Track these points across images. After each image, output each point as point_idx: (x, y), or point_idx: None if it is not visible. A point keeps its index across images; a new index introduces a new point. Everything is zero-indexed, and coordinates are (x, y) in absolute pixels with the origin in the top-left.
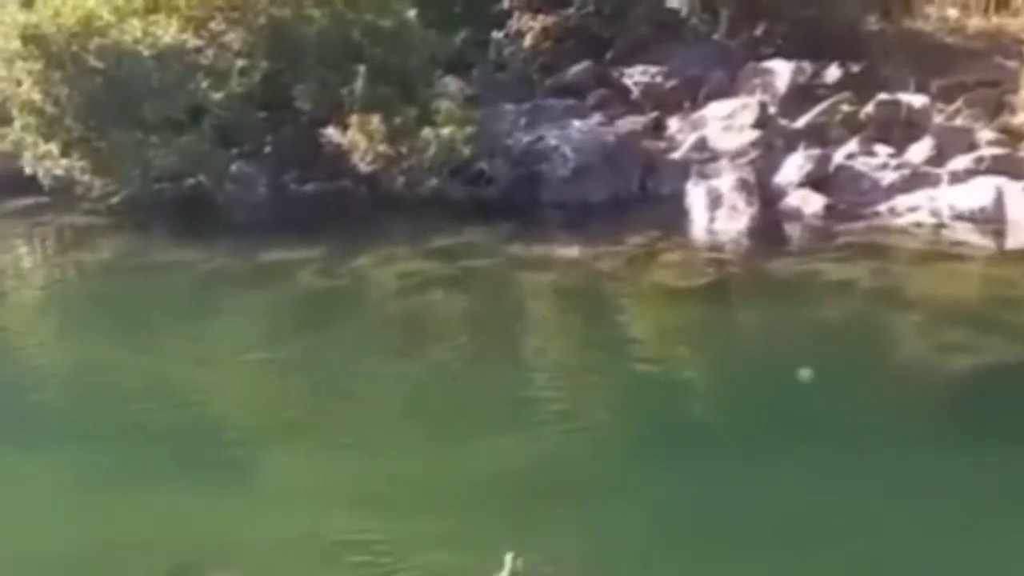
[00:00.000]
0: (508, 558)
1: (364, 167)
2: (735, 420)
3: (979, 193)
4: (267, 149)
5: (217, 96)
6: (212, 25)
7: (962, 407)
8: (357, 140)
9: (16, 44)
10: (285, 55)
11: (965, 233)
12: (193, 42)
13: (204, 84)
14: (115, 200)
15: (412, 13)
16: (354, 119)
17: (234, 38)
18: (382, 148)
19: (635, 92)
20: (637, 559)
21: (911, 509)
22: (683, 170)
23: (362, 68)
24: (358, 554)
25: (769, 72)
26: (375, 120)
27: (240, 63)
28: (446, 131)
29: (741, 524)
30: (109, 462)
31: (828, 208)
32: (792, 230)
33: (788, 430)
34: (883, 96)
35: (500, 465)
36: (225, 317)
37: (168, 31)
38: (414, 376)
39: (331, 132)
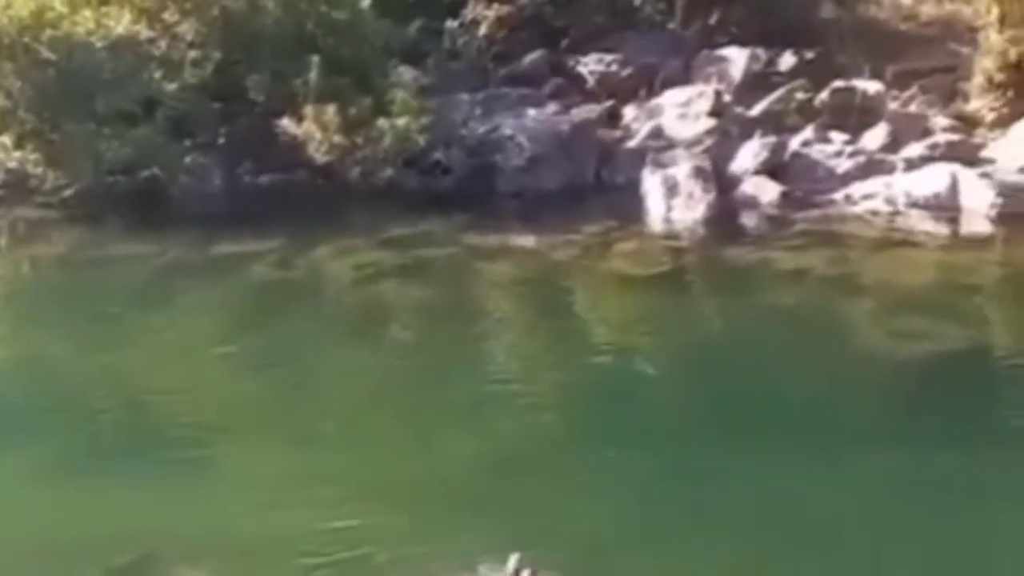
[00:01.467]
0: (512, 559)
1: (319, 158)
2: (691, 409)
3: (933, 180)
4: (221, 140)
5: (170, 87)
6: (165, 16)
7: (916, 393)
8: (312, 131)
9: None
10: (239, 46)
11: (920, 220)
12: (146, 33)
13: (157, 75)
14: (69, 193)
15: (366, 3)
16: (309, 110)
17: (187, 29)
18: (337, 139)
19: (590, 81)
20: (600, 547)
21: (862, 495)
22: (639, 158)
23: (316, 59)
24: (312, 545)
25: (724, 60)
26: (330, 111)
27: (193, 54)
28: (401, 121)
29: (697, 512)
30: (62, 456)
31: (784, 196)
32: (748, 218)
33: (743, 418)
34: (838, 83)
35: (458, 455)
36: (180, 310)
37: (121, 22)
38: (371, 368)
39: (286, 123)
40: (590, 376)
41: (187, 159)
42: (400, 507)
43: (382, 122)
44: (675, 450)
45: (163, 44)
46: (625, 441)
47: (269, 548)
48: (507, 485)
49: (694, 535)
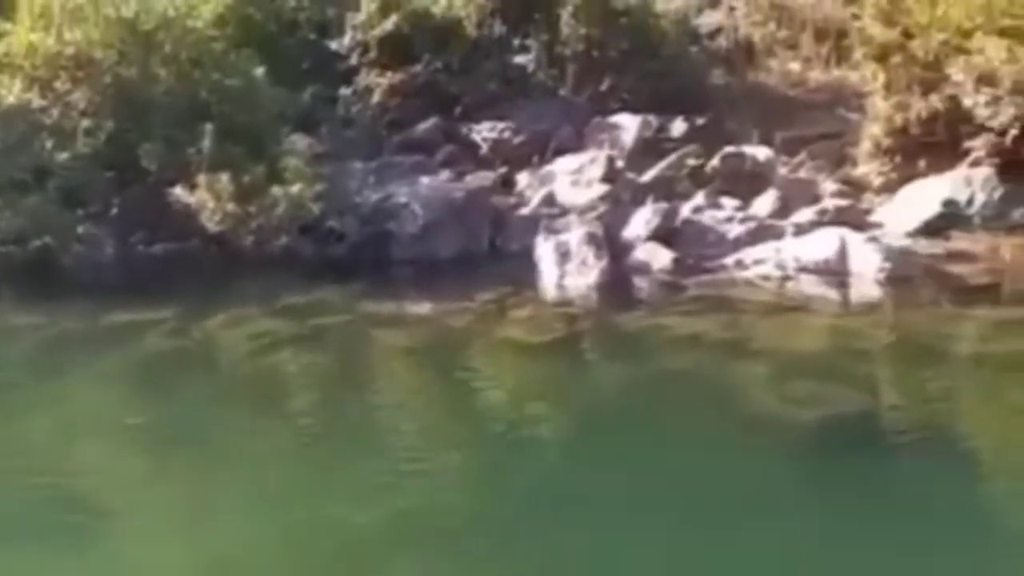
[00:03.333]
0: None
1: (213, 226)
2: (584, 477)
3: (823, 245)
4: (114, 210)
5: (62, 156)
6: (57, 85)
7: (807, 458)
8: (205, 199)
9: None
10: (131, 114)
11: (810, 285)
12: (37, 102)
13: (49, 144)
14: None
15: (259, 71)
16: (202, 178)
17: (79, 98)
18: (230, 207)
19: (484, 148)
20: None
21: (755, 564)
22: (532, 225)
23: (209, 127)
24: None
25: (616, 127)
26: (223, 179)
27: (85, 123)
28: (295, 189)
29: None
30: None
31: (676, 262)
32: (641, 284)
33: (635, 484)
34: (728, 149)
35: (349, 526)
36: (73, 380)
37: (12, 91)
38: (267, 440)
39: (179, 192)
40: (486, 445)
41: (79, 229)
42: None
43: (276, 190)
44: (568, 521)
45: (55, 113)
46: (517, 512)
47: None
48: (401, 558)
49: None
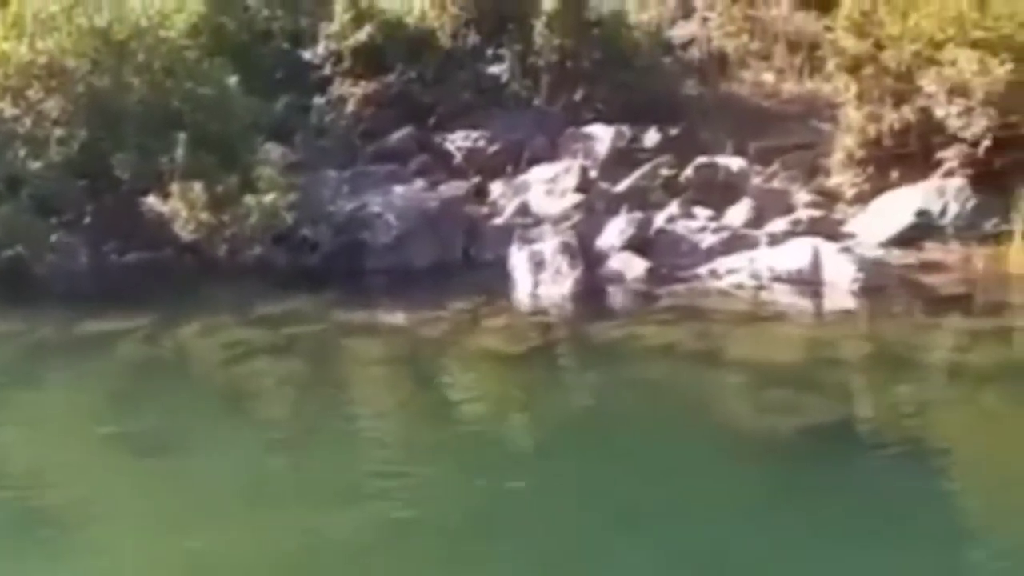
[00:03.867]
0: None
1: (186, 235)
2: (558, 485)
3: (796, 255)
4: (87, 219)
5: (35, 165)
6: (29, 93)
7: (781, 466)
8: (178, 208)
9: None
10: (104, 123)
11: (784, 295)
12: (10, 111)
13: (22, 153)
14: None
15: (233, 80)
16: (175, 187)
17: (52, 106)
18: (204, 216)
19: (457, 157)
20: None
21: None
22: (506, 235)
23: (183, 136)
24: None
25: (589, 137)
26: (196, 188)
27: (58, 132)
28: (268, 198)
29: None
30: None
31: (650, 271)
32: (615, 294)
33: (609, 492)
34: (702, 159)
35: (322, 533)
36: (48, 388)
37: None
38: (239, 447)
39: (152, 201)
40: (459, 453)
41: (53, 237)
42: None
43: (249, 199)
44: (542, 530)
45: (27, 122)
46: (491, 522)
47: None
48: (372, 564)
49: None
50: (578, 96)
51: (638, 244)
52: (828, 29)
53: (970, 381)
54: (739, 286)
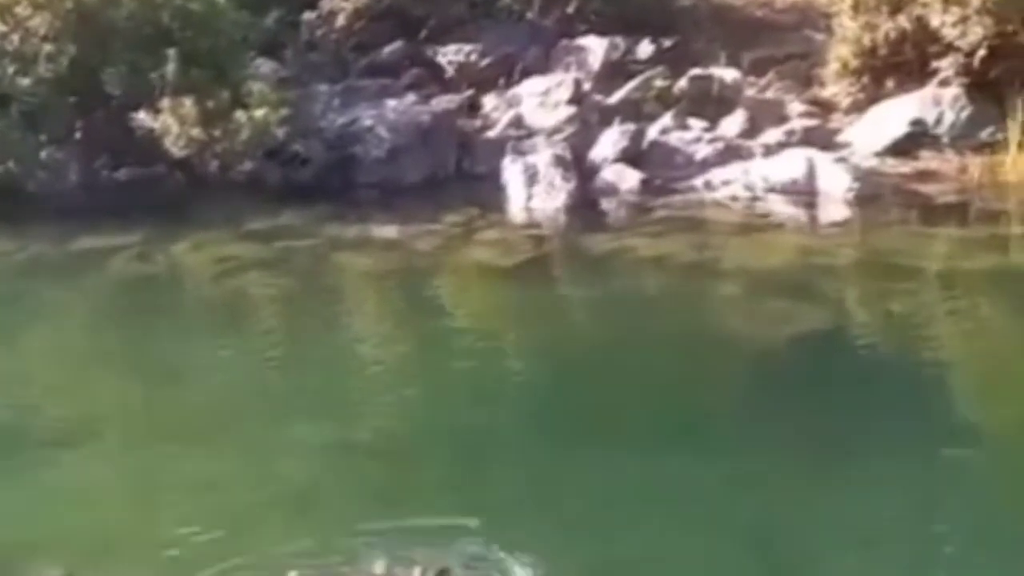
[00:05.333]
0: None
1: (177, 151)
2: (553, 399)
3: (791, 165)
4: (78, 135)
5: (24, 82)
6: (17, 10)
7: (778, 375)
8: (169, 124)
9: None
10: (94, 39)
11: (779, 205)
12: None
13: (11, 70)
14: None
15: None
16: (166, 103)
17: (40, 23)
18: (195, 132)
19: (449, 71)
20: (459, 533)
21: (727, 477)
22: (499, 148)
23: (173, 52)
24: (174, 549)
25: (582, 49)
26: (187, 104)
27: (47, 48)
28: (259, 113)
29: (560, 502)
30: None
31: (644, 183)
32: (609, 206)
33: (606, 406)
34: (695, 71)
35: (321, 454)
36: (42, 305)
37: None
38: (234, 364)
39: (143, 117)
40: (453, 367)
41: (43, 154)
42: (265, 502)
43: (240, 115)
44: (539, 441)
45: (15, 39)
46: (488, 434)
47: (128, 547)
48: (363, 478)
49: (556, 526)
50: (571, 8)
51: (632, 156)
52: None
53: (964, 288)
54: (733, 197)
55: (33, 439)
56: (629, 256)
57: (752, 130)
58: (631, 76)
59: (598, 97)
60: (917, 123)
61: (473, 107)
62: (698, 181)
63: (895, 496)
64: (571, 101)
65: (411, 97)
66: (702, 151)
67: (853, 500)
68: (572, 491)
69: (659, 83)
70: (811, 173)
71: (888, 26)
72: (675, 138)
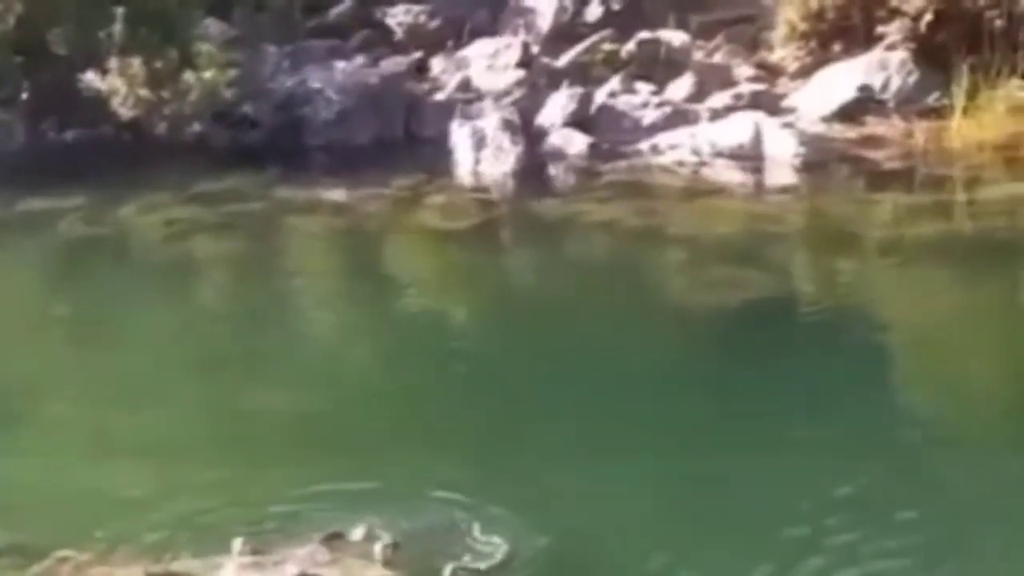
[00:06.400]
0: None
1: (125, 112)
2: (500, 363)
3: (738, 130)
4: (24, 95)
5: None
6: None
7: (723, 340)
8: (117, 85)
9: None
10: None
11: (725, 170)
12: None
13: None
14: None
15: None
16: (113, 63)
17: None
18: (143, 93)
19: (398, 32)
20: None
21: (670, 442)
22: (447, 111)
23: (120, 10)
24: (121, 513)
25: (531, 11)
26: (135, 64)
27: None
28: (208, 74)
29: (503, 466)
30: None
31: (592, 147)
32: (557, 170)
33: (551, 369)
34: (644, 34)
35: (271, 413)
36: None
37: None
38: (184, 326)
39: (90, 77)
40: (399, 330)
41: None
42: (214, 463)
43: (188, 75)
44: (485, 404)
45: None
46: (432, 397)
47: (73, 509)
48: (314, 440)
49: (509, 486)
50: None
51: (579, 120)
52: None
53: (910, 254)
54: (680, 162)
55: None
56: (577, 221)
57: (699, 94)
58: (579, 39)
59: (546, 60)
60: (864, 88)
61: (421, 69)
62: (645, 145)
63: (840, 454)
64: (520, 64)
65: (360, 59)
66: (650, 115)
67: (799, 458)
68: (519, 452)
69: (607, 46)
70: (758, 138)
71: None
72: (623, 102)
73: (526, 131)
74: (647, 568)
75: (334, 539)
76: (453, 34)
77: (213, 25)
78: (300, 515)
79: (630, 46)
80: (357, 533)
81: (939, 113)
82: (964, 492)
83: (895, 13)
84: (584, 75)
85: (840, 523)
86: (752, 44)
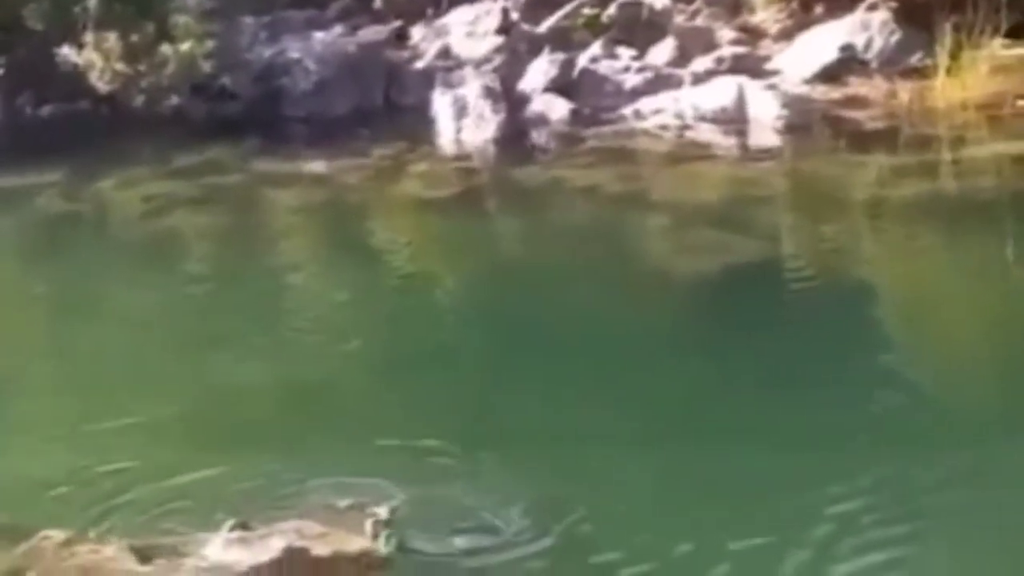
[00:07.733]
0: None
1: (102, 86)
2: (485, 330)
3: (721, 93)
4: (0, 71)
5: None
6: None
7: (707, 305)
8: (93, 59)
9: None
10: None
11: (709, 134)
12: None
13: None
14: None
15: None
16: (89, 37)
17: None
18: (120, 67)
19: (377, 1)
20: (389, 463)
21: (655, 405)
22: (428, 79)
23: None
24: (111, 484)
25: None
26: (111, 38)
27: None
28: (185, 47)
29: (483, 435)
30: None
31: (573, 113)
32: (539, 136)
33: (535, 337)
34: None
35: (254, 385)
36: None
37: None
38: (164, 301)
39: (66, 51)
40: (383, 299)
41: None
42: (200, 438)
43: (165, 48)
44: (470, 371)
45: None
46: (418, 365)
47: (55, 487)
48: (297, 417)
49: (503, 453)
50: None
51: (561, 86)
52: None
53: (894, 215)
54: (663, 126)
55: None
56: (560, 187)
57: (681, 58)
58: (560, 4)
59: (527, 26)
60: (846, 48)
61: (401, 38)
62: (628, 110)
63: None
64: (499, 30)
65: (338, 28)
66: (632, 80)
67: (788, 415)
68: (509, 417)
69: (588, 11)
70: (741, 101)
71: None
72: (604, 67)
73: (507, 98)
74: (633, 541)
75: (323, 511)
76: (432, 2)
77: None
78: (288, 489)
79: (611, 10)
80: (345, 505)
81: (922, 73)
82: (950, 455)
83: None
84: (565, 40)
85: (833, 492)
86: (734, 6)
